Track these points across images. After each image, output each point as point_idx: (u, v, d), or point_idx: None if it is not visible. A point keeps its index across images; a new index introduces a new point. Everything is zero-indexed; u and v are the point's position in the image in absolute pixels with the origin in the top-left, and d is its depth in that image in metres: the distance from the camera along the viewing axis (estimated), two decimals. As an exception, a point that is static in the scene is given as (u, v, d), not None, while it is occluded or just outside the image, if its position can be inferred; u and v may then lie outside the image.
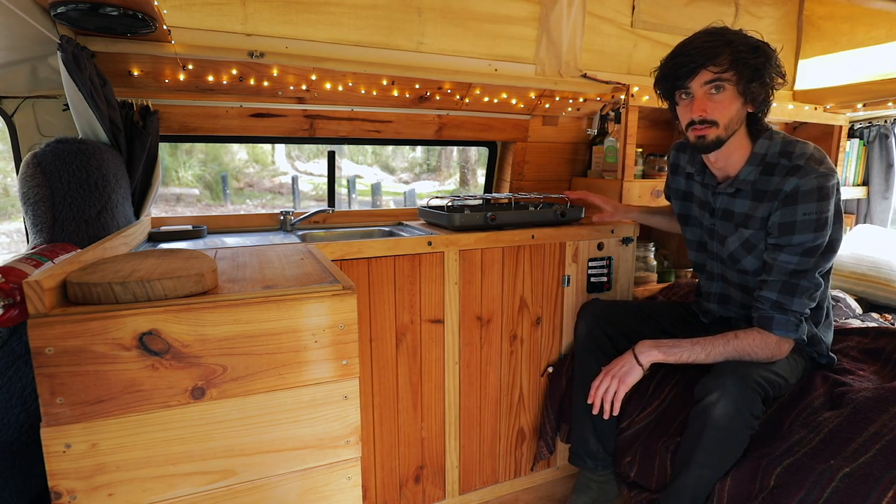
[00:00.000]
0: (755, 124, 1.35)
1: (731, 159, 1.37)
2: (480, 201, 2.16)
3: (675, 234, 1.78)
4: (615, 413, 1.38)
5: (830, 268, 1.40)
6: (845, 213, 2.77)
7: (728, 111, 1.27)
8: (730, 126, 1.29)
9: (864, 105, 2.31)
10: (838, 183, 1.29)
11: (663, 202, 2.08)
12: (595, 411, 1.40)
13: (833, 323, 1.54)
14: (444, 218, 1.76)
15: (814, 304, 1.33)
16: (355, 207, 3.13)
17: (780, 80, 1.29)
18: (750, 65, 1.23)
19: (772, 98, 1.31)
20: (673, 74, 1.29)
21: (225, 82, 1.57)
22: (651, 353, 1.35)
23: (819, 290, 1.32)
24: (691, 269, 2.45)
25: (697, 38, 1.27)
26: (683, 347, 1.34)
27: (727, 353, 1.32)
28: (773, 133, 1.35)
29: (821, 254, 1.28)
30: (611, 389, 1.37)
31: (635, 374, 1.36)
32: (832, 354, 1.51)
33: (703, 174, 1.47)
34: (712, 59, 1.23)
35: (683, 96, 1.31)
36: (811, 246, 1.26)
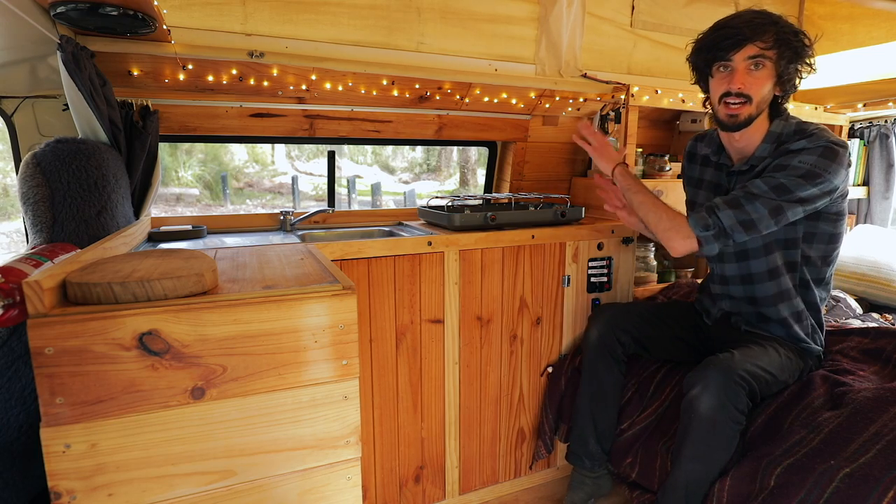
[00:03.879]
0: (776, 107, 1.38)
1: (752, 139, 1.40)
2: (480, 201, 2.16)
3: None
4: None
5: (832, 259, 1.42)
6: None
7: (763, 88, 1.31)
8: (761, 104, 1.33)
9: (864, 105, 2.31)
10: (849, 157, 1.31)
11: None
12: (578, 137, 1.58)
13: (823, 320, 1.53)
14: (444, 218, 1.76)
15: (744, 237, 1.30)
16: (355, 207, 3.13)
17: (809, 69, 1.34)
18: (792, 46, 1.28)
19: (798, 84, 1.36)
20: (716, 46, 1.32)
21: (225, 82, 1.57)
22: (617, 170, 1.53)
23: (760, 226, 1.29)
24: (691, 269, 2.45)
25: (745, 14, 1.30)
26: (630, 184, 1.48)
27: (647, 206, 1.43)
28: (789, 115, 1.39)
29: (790, 200, 1.26)
30: (590, 137, 1.56)
31: (600, 163, 1.56)
32: (821, 337, 1.50)
33: (720, 155, 1.50)
34: (760, 35, 1.26)
35: (722, 69, 1.34)
36: (784, 184, 1.26)
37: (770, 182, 1.27)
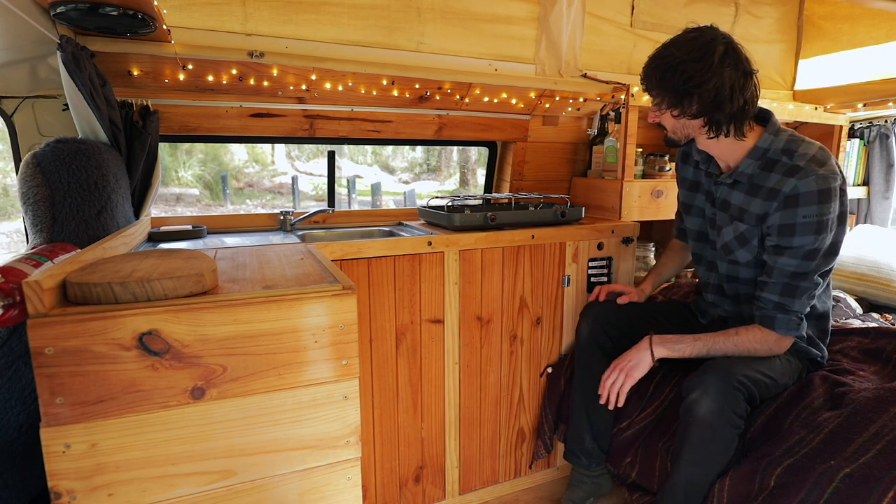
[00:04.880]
0: (717, 126, 1.30)
1: (723, 152, 1.40)
2: (480, 201, 2.16)
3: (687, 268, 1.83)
4: (620, 405, 1.43)
5: (831, 269, 1.40)
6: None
7: (667, 121, 1.38)
8: (676, 132, 1.38)
9: (864, 105, 2.31)
10: (843, 184, 1.29)
11: (661, 204, 2.08)
12: (602, 401, 1.45)
13: (830, 327, 1.52)
14: (444, 218, 1.76)
15: (813, 302, 1.35)
16: (355, 207, 3.13)
17: (698, 84, 1.24)
18: (665, 87, 1.30)
19: (710, 99, 1.26)
20: None
21: (225, 82, 1.57)
22: (657, 350, 1.40)
23: (818, 287, 1.33)
24: (691, 269, 2.45)
25: (647, 61, 1.35)
26: (686, 343, 1.39)
27: (727, 349, 1.36)
28: (780, 130, 1.36)
29: (822, 256, 1.29)
30: (617, 382, 1.42)
31: (642, 369, 1.41)
32: (824, 347, 1.50)
33: (708, 163, 1.49)
34: (643, 84, 1.36)
35: None
36: (811, 249, 1.27)
37: (798, 253, 1.28)
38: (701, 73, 1.24)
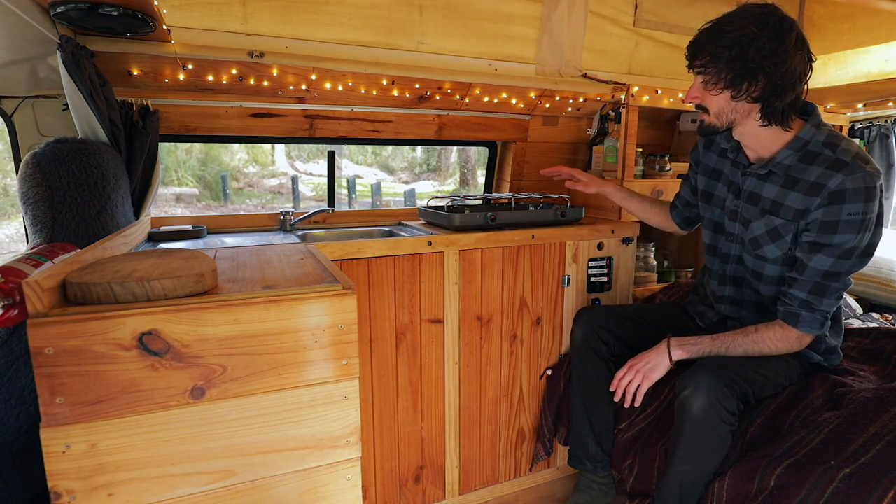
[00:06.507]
0: (771, 113, 1.24)
1: (759, 142, 1.33)
2: (480, 201, 2.16)
3: (651, 225, 1.81)
4: (637, 405, 1.41)
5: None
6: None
7: (715, 103, 1.27)
8: (721, 116, 1.28)
9: (864, 105, 2.31)
10: (882, 185, 1.25)
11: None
12: (616, 399, 1.43)
13: (843, 328, 1.51)
14: (444, 218, 1.76)
15: (840, 303, 1.31)
16: (355, 207, 3.13)
17: (773, 65, 1.17)
18: (732, 63, 1.19)
19: (765, 90, 1.21)
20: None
21: (225, 82, 1.57)
22: (675, 353, 1.38)
23: (847, 288, 1.30)
24: (691, 269, 2.45)
25: (698, 32, 1.27)
26: (704, 343, 1.36)
27: (746, 346, 1.34)
28: (822, 123, 1.30)
29: (858, 256, 1.25)
30: (634, 382, 1.40)
31: (660, 371, 1.38)
32: (835, 355, 1.49)
33: (737, 153, 1.42)
34: (695, 57, 1.26)
35: None
36: (850, 247, 1.23)
37: (835, 252, 1.24)
38: (777, 52, 1.16)
